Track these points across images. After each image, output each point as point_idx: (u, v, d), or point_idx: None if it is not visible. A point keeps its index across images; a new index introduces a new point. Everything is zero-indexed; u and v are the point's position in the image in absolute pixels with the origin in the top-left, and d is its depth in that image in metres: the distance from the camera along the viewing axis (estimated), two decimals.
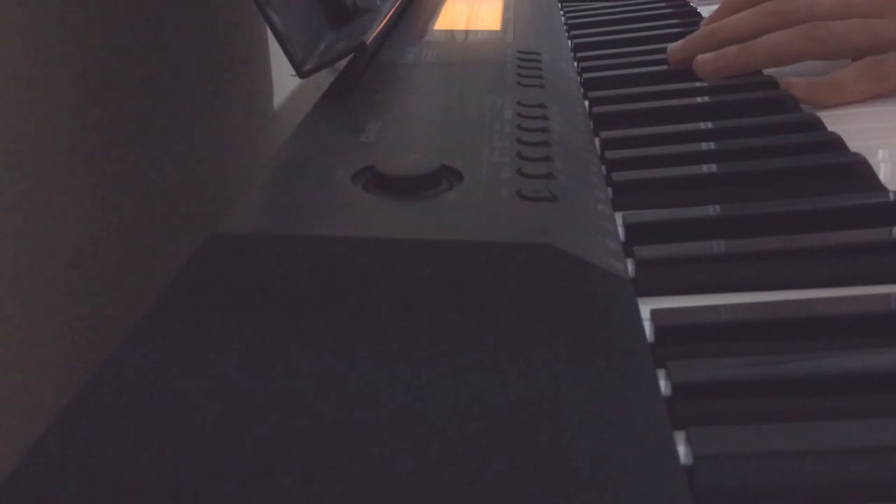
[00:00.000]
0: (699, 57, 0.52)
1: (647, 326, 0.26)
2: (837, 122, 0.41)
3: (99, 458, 0.19)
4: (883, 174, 0.36)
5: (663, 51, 0.58)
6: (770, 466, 0.20)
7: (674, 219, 0.34)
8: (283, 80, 0.75)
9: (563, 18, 0.75)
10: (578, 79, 0.54)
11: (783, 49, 0.49)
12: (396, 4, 0.58)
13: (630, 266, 0.30)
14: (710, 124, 0.43)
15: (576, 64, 0.59)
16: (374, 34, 0.47)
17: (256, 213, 0.32)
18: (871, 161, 0.36)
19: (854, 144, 0.38)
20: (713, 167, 0.38)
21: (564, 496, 0.18)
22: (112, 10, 0.47)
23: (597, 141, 0.43)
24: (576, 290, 0.27)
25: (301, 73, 0.42)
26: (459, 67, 0.50)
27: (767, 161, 0.38)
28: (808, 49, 0.48)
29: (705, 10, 0.75)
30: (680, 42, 0.55)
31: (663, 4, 0.75)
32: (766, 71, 0.51)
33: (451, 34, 0.60)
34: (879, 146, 0.41)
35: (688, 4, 0.75)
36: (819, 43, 0.48)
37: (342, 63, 0.47)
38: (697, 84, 0.50)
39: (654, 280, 0.30)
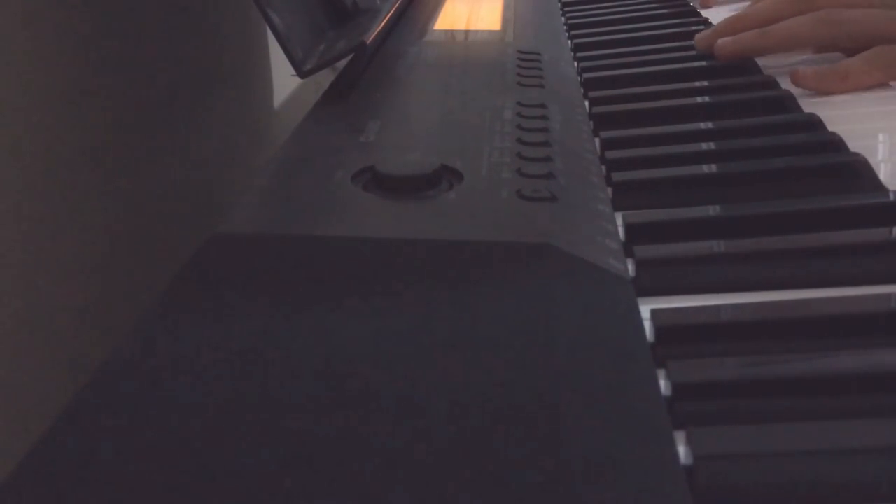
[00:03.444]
0: (719, 41, 0.53)
1: (647, 326, 0.26)
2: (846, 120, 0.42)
3: (99, 458, 0.19)
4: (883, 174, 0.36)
5: (663, 51, 0.58)
6: (770, 466, 0.20)
7: (674, 219, 0.34)
8: (283, 80, 0.75)
9: (563, 18, 0.75)
10: (578, 79, 0.54)
11: (797, 33, 0.51)
12: (396, 4, 0.58)
13: (630, 266, 0.30)
14: (710, 124, 0.43)
15: (576, 64, 0.59)
16: (374, 34, 0.47)
17: (256, 213, 0.32)
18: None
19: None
20: (713, 167, 0.38)
21: (564, 496, 0.18)
22: (112, 10, 0.47)
23: (597, 141, 0.43)
24: (576, 289, 0.27)
25: (301, 73, 0.42)
26: (459, 67, 0.50)
27: (767, 161, 0.38)
28: (820, 34, 0.50)
29: (704, 11, 0.75)
30: (706, 31, 0.57)
31: (663, 4, 0.75)
32: (774, 64, 0.52)
33: (451, 34, 0.60)
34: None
35: (688, 4, 0.75)
36: (831, 29, 0.49)
37: (342, 63, 0.47)
38: (697, 84, 0.51)
39: (654, 280, 0.30)
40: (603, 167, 0.40)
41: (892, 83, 0.47)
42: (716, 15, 0.73)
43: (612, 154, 0.41)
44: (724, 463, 0.20)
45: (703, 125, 0.43)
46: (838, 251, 0.30)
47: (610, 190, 0.37)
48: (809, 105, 0.45)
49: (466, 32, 0.61)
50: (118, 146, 0.47)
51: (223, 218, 0.30)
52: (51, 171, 0.41)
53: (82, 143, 0.44)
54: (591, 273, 0.28)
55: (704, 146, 0.40)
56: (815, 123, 0.42)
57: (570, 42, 0.65)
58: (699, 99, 0.48)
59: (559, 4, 0.80)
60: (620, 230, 0.33)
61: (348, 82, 0.46)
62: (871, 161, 0.36)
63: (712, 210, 0.34)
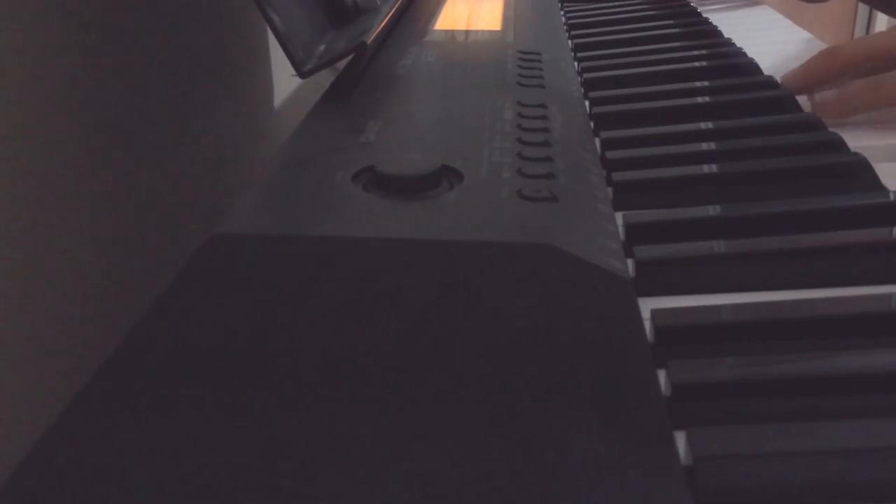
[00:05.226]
0: (819, 97, 0.46)
1: (647, 326, 0.26)
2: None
3: (98, 458, 0.19)
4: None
5: (663, 51, 0.58)
6: (770, 466, 0.20)
7: (674, 219, 0.34)
8: (283, 80, 0.75)
9: (563, 18, 0.75)
10: (579, 79, 0.54)
11: None
12: (396, 4, 0.58)
13: (630, 266, 0.30)
14: (710, 124, 0.44)
15: (576, 64, 0.59)
16: (374, 34, 0.47)
17: (256, 213, 0.32)
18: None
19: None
20: (713, 167, 0.38)
21: (564, 496, 0.18)
22: (112, 9, 0.47)
23: (597, 141, 0.43)
24: (576, 290, 0.27)
25: (301, 73, 0.42)
26: (459, 67, 0.50)
27: (767, 161, 0.38)
28: None
29: (705, 12, 0.75)
30: (831, 92, 0.47)
31: (663, 4, 0.75)
32: (774, 70, 0.51)
33: (451, 34, 0.60)
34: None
35: (688, 4, 0.75)
36: None
37: (342, 63, 0.47)
38: (697, 84, 0.51)
39: (654, 280, 0.30)
40: (603, 167, 0.40)
41: None
42: (718, 18, 0.73)
43: (612, 154, 0.41)
44: (724, 463, 0.20)
45: (703, 125, 0.44)
46: (838, 251, 0.30)
47: (610, 190, 0.37)
48: (809, 105, 0.45)
49: (466, 32, 0.61)
50: (118, 146, 0.47)
51: (223, 218, 0.30)
52: (50, 171, 0.41)
53: (81, 143, 0.44)
54: (591, 273, 0.28)
55: (704, 146, 0.40)
56: (814, 123, 0.42)
57: (570, 42, 0.65)
58: (699, 99, 0.48)
59: (559, 4, 0.80)
60: (620, 230, 0.33)
61: (348, 82, 0.46)
62: None
63: (712, 210, 0.34)
